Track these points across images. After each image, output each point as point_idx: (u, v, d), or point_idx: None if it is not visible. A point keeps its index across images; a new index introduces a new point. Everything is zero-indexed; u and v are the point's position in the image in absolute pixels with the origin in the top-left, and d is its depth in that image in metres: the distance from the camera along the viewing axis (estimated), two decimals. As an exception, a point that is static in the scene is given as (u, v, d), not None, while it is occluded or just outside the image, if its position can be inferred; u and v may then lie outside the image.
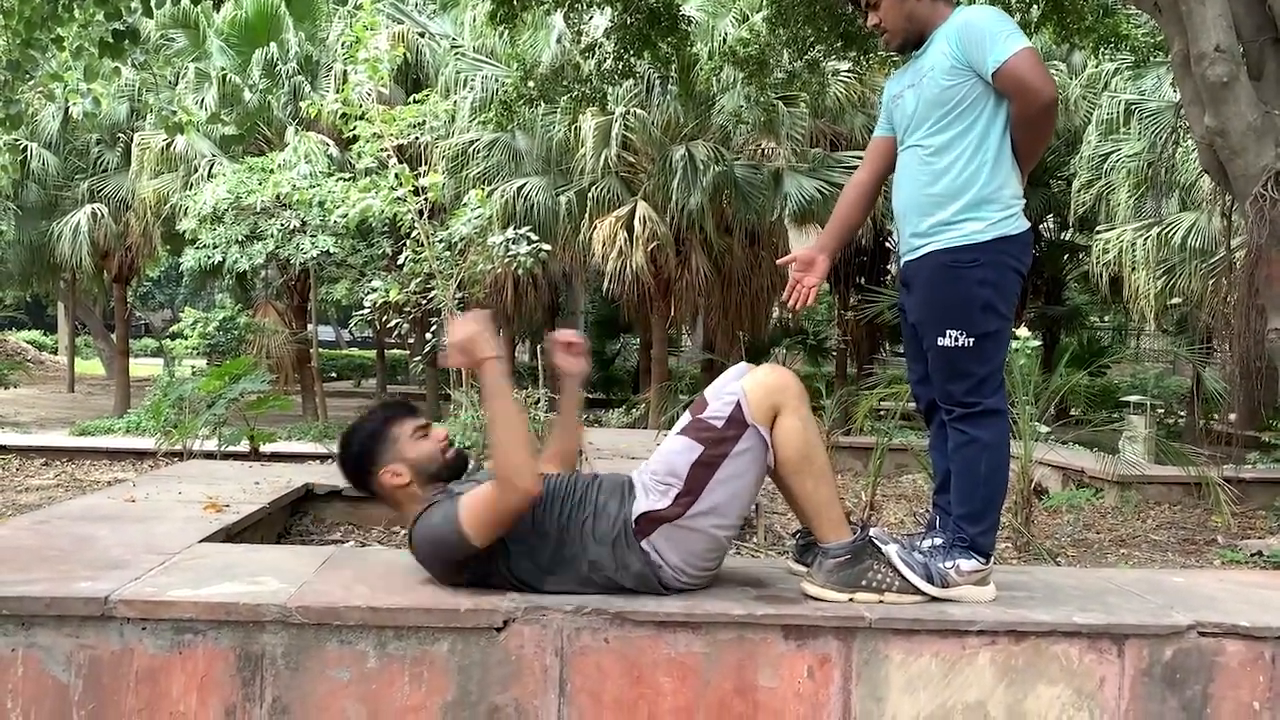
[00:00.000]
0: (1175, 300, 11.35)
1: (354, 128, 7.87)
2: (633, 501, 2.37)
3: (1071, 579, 2.85)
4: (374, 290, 9.13)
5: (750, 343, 11.81)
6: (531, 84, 8.40)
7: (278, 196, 10.81)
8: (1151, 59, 8.98)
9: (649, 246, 11.37)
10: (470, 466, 2.53)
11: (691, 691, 2.28)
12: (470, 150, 12.31)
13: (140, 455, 7.63)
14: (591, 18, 8.17)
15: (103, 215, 14.15)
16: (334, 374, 22.81)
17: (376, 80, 7.81)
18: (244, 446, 6.55)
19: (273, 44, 13.15)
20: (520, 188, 11.95)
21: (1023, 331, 5.48)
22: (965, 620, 2.31)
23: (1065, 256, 15.69)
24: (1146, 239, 11.14)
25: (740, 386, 2.37)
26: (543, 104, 9.46)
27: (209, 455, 6.36)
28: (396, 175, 7.80)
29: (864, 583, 2.38)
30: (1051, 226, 16.06)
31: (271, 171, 10.96)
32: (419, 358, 12.52)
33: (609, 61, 7.94)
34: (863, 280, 14.16)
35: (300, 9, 13.23)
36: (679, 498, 2.33)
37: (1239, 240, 5.66)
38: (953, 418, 2.49)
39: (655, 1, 7.29)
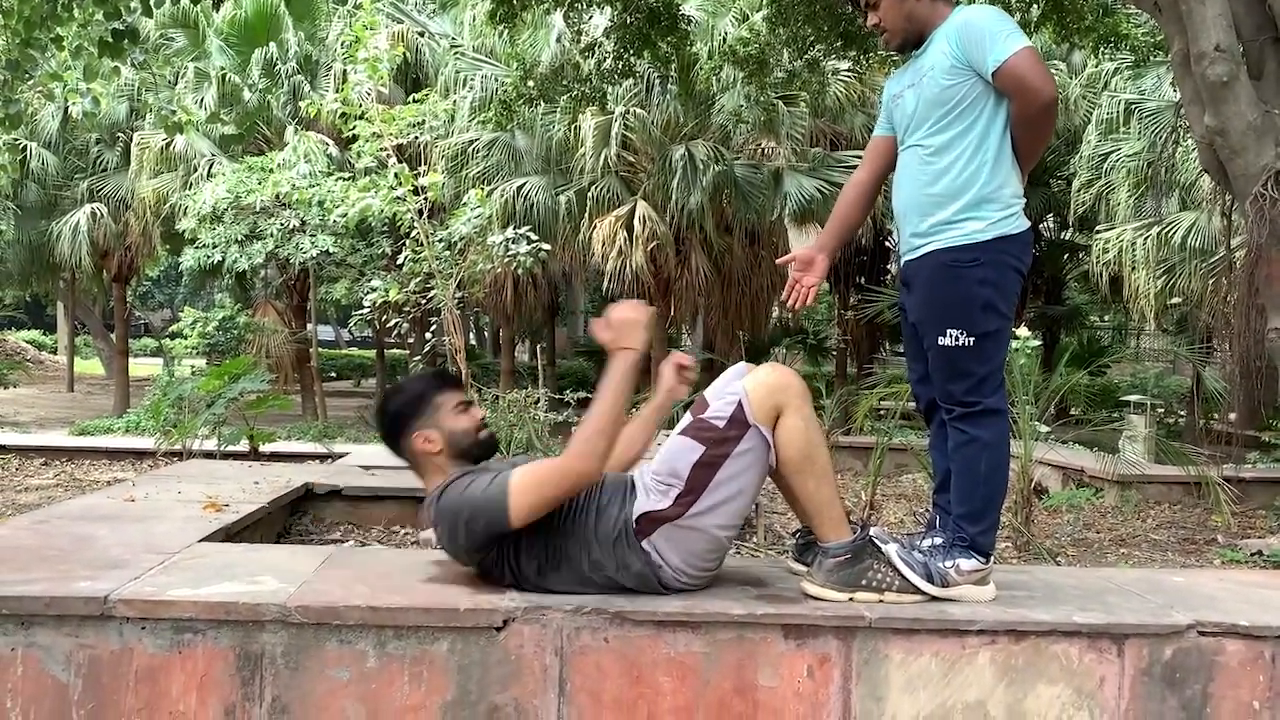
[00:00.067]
0: (1175, 300, 11.35)
1: (353, 127, 7.87)
2: (633, 501, 2.36)
3: (1071, 578, 2.85)
4: (373, 290, 9.13)
5: (750, 342, 11.82)
6: (531, 83, 8.39)
7: (277, 196, 10.80)
8: (1151, 58, 8.98)
9: (649, 246, 11.37)
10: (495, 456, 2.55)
11: (691, 691, 2.28)
12: (470, 150, 12.31)
13: (140, 455, 7.63)
14: (591, 17, 8.17)
15: (102, 215, 14.15)
16: (333, 374, 22.80)
17: (376, 80, 7.80)
18: (243, 446, 6.54)
19: (272, 43, 13.15)
20: (520, 187, 11.96)
21: (1023, 331, 5.48)
22: (965, 620, 2.31)
23: (1065, 256, 15.69)
24: (1146, 238, 11.14)
25: (741, 386, 2.36)
26: (542, 103, 9.45)
27: (208, 455, 6.36)
28: (396, 175, 7.79)
29: (864, 582, 2.37)
30: (1051, 226, 16.06)
31: (271, 171, 10.95)
32: (419, 357, 12.52)
33: (609, 61, 7.94)
34: (863, 280, 14.16)
35: (300, 8, 13.23)
36: (680, 498, 2.32)
37: (1239, 240, 5.66)
38: (953, 417, 2.49)
39: (655, 1, 7.29)
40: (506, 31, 9.86)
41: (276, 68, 13.09)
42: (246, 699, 2.22)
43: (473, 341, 24.72)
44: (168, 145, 12.96)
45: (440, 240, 8.13)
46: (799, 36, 7.60)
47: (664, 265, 12.01)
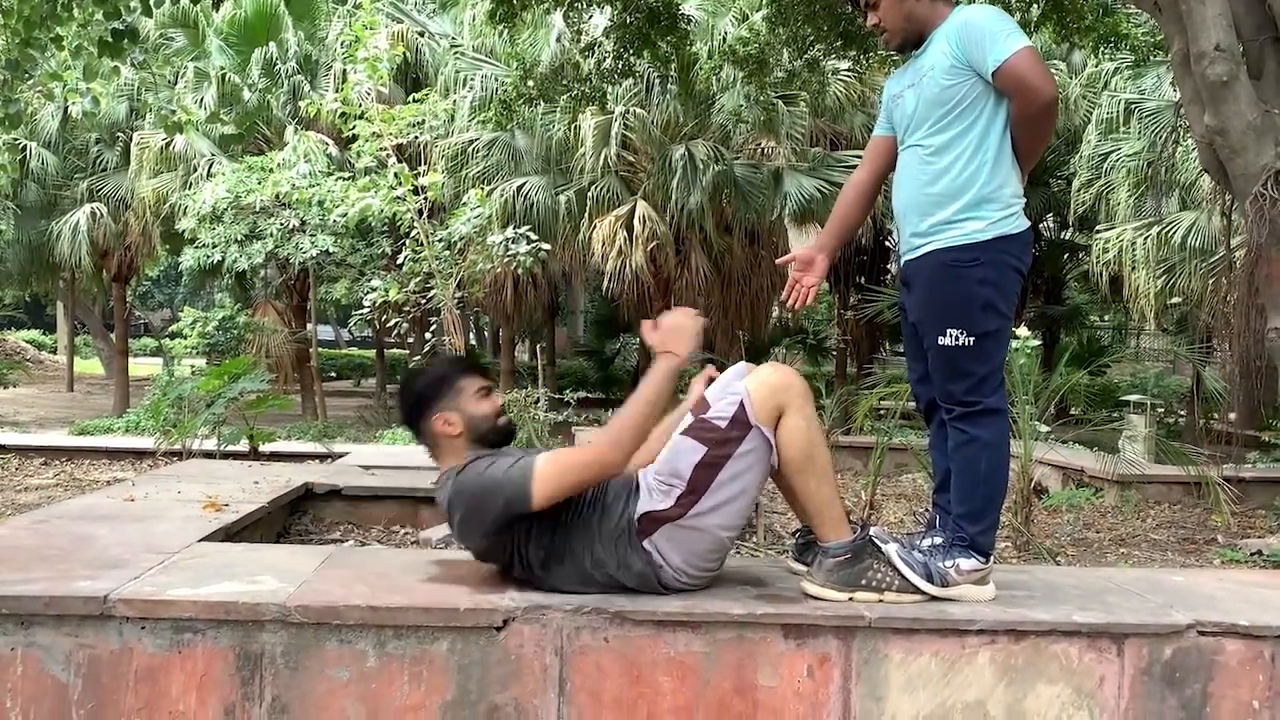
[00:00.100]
0: (1175, 299, 11.35)
1: (353, 127, 7.88)
2: (636, 501, 2.37)
3: (1071, 578, 2.85)
4: (373, 290, 9.14)
5: (750, 342, 11.82)
6: (531, 83, 8.39)
7: (277, 196, 10.82)
8: (1151, 58, 8.98)
9: (649, 246, 11.37)
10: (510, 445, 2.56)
11: (691, 691, 2.28)
12: (470, 149, 12.30)
13: (139, 455, 7.63)
14: (591, 17, 8.17)
15: (102, 214, 14.15)
16: (333, 373, 22.81)
17: (376, 79, 7.82)
18: (243, 446, 6.54)
19: (272, 43, 13.14)
20: (520, 187, 11.95)
21: (1023, 331, 5.48)
22: (965, 619, 2.31)
23: (1065, 256, 15.69)
24: (1146, 238, 11.14)
25: (743, 387, 2.36)
26: (542, 103, 9.45)
27: (208, 455, 6.36)
28: (396, 174, 7.80)
29: (864, 582, 2.37)
30: (1051, 226, 16.05)
31: (271, 171, 10.96)
32: (418, 357, 12.52)
33: (608, 61, 7.94)
34: (862, 280, 14.16)
35: (299, 8, 13.23)
36: (682, 498, 2.32)
37: (1239, 239, 5.66)
38: (953, 417, 2.49)
39: (655, 0, 7.29)
40: (506, 31, 9.86)
41: (276, 67, 13.09)
42: (246, 699, 2.22)
43: (472, 341, 24.71)
44: (167, 145, 12.96)
45: (440, 240, 8.13)
46: (799, 36, 7.60)
47: (664, 265, 12.01)
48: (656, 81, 11.11)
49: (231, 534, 3.26)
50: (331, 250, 11.66)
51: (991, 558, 2.50)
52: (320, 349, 15.36)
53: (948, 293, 2.44)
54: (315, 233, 11.50)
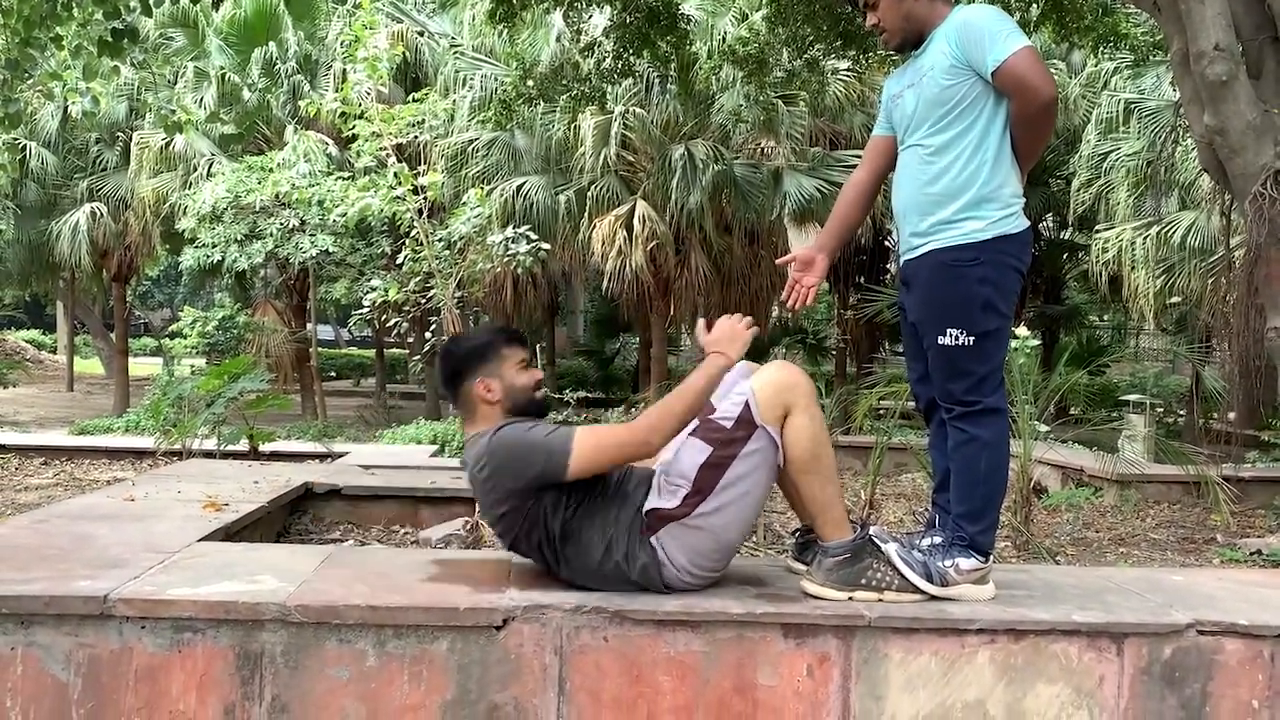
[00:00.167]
0: (1174, 299, 11.36)
1: (353, 127, 7.88)
2: (648, 497, 2.38)
3: (1071, 578, 2.85)
4: (373, 289, 9.15)
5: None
6: (531, 83, 8.39)
7: (277, 195, 10.82)
8: (1151, 58, 8.99)
9: (648, 245, 11.37)
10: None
11: (691, 690, 2.28)
12: (469, 149, 12.30)
13: (139, 454, 7.62)
14: (591, 16, 8.17)
15: (102, 214, 14.14)
16: (333, 373, 22.82)
17: (375, 79, 7.82)
18: (243, 445, 6.53)
19: (272, 43, 13.14)
20: (519, 187, 11.95)
21: (1022, 330, 5.48)
22: (964, 619, 2.31)
23: (1065, 255, 15.69)
24: (1146, 238, 11.14)
25: (749, 386, 2.37)
26: (542, 103, 9.45)
27: (208, 454, 6.35)
28: (395, 174, 7.81)
29: (863, 581, 2.38)
30: (1051, 225, 16.05)
31: (271, 170, 10.96)
32: (418, 357, 12.52)
33: (608, 60, 7.94)
34: (862, 279, 14.16)
35: (299, 8, 13.21)
36: (687, 498, 2.33)
37: (1238, 239, 5.66)
38: (952, 416, 2.49)
39: (654, 0, 7.29)
40: (506, 31, 9.87)
41: (276, 67, 13.09)
42: (246, 698, 2.22)
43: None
44: (167, 145, 12.96)
45: (440, 240, 8.14)
46: (798, 36, 7.60)
47: (663, 265, 12.01)
48: (656, 81, 11.11)
49: (231, 534, 3.26)
50: (331, 250, 11.66)
51: (991, 557, 2.51)
52: (320, 349, 15.37)
53: (947, 292, 2.44)
54: (315, 232, 11.50)
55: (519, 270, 8.82)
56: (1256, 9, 4.44)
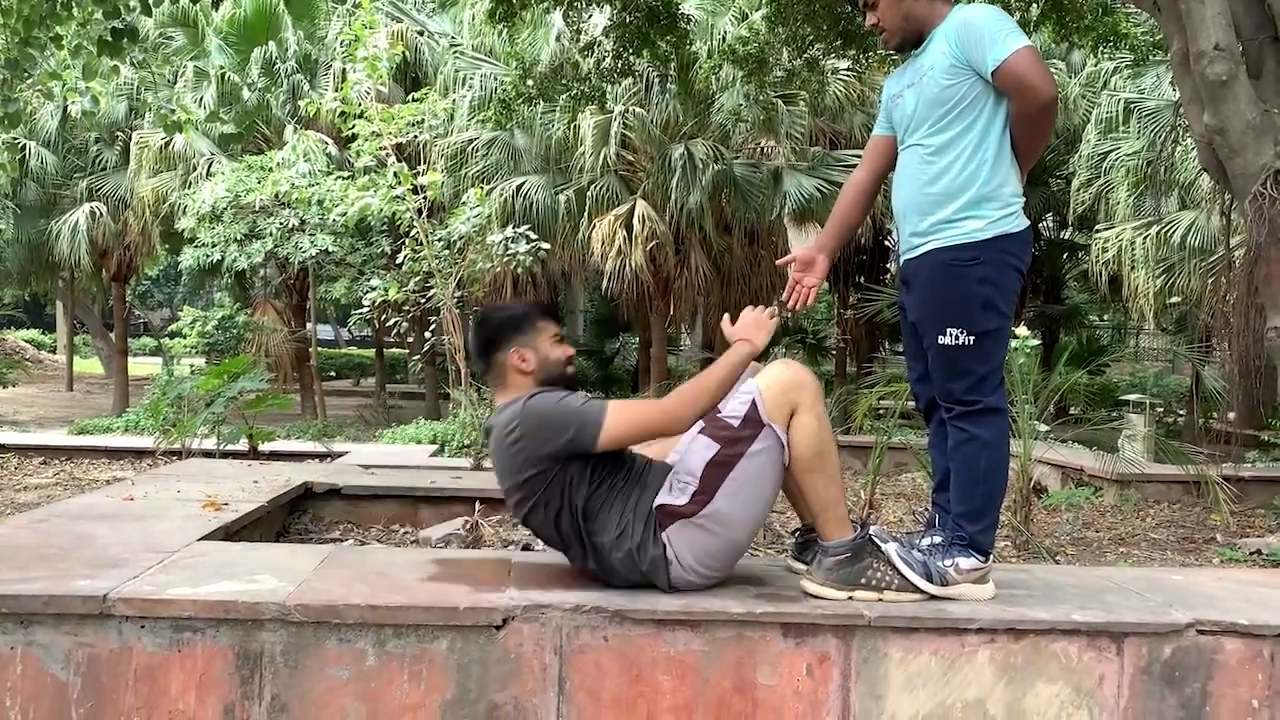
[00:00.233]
0: (1174, 299, 11.36)
1: (353, 126, 7.87)
2: (660, 492, 2.39)
3: (1070, 577, 2.85)
4: (373, 289, 9.14)
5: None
6: (530, 82, 8.39)
7: (276, 195, 10.82)
8: (1150, 57, 8.98)
9: (648, 245, 11.37)
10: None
11: (690, 690, 2.28)
12: (469, 149, 12.30)
13: (139, 454, 7.62)
14: (590, 16, 8.17)
15: (101, 214, 14.14)
16: (333, 373, 22.82)
17: (375, 79, 7.80)
18: (243, 445, 6.54)
19: (271, 42, 13.14)
20: (519, 186, 11.95)
21: (1022, 330, 5.47)
22: (964, 618, 2.31)
23: (1064, 255, 15.69)
24: (1146, 237, 11.14)
25: (754, 385, 2.37)
26: (542, 102, 9.45)
27: (208, 454, 6.35)
28: (395, 174, 7.80)
29: (863, 581, 2.38)
30: (1051, 225, 16.06)
31: (270, 170, 10.96)
32: (418, 356, 12.53)
33: (608, 60, 7.94)
34: (862, 279, 14.17)
35: (299, 7, 13.20)
36: (695, 495, 2.34)
37: (1238, 239, 5.66)
38: (952, 416, 2.49)
39: (654, 0, 7.29)
40: (506, 30, 9.86)
41: (276, 66, 13.09)
42: (246, 698, 2.22)
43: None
44: (167, 144, 12.96)
45: (439, 239, 8.13)
46: (798, 35, 7.60)
47: (663, 264, 12.01)
48: (656, 81, 11.11)
49: (231, 533, 3.26)
50: (331, 249, 11.66)
51: (991, 557, 2.51)
52: (319, 348, 15.37)
53: (947, 292, 2.44)
54: (315, 232, 11.50)
55: (519, 270, 8.80)
56: (1256, 9, 4.44)
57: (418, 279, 8.02)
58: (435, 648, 2.24)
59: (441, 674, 2.24)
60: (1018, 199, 2.47)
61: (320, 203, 10.43)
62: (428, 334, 8.65)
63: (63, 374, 21.21)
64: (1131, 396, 8.50)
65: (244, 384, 6.46)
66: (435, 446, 7.97)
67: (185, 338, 13.24)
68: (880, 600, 2.37)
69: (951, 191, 2.44)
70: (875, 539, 2.42)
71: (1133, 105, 11.32)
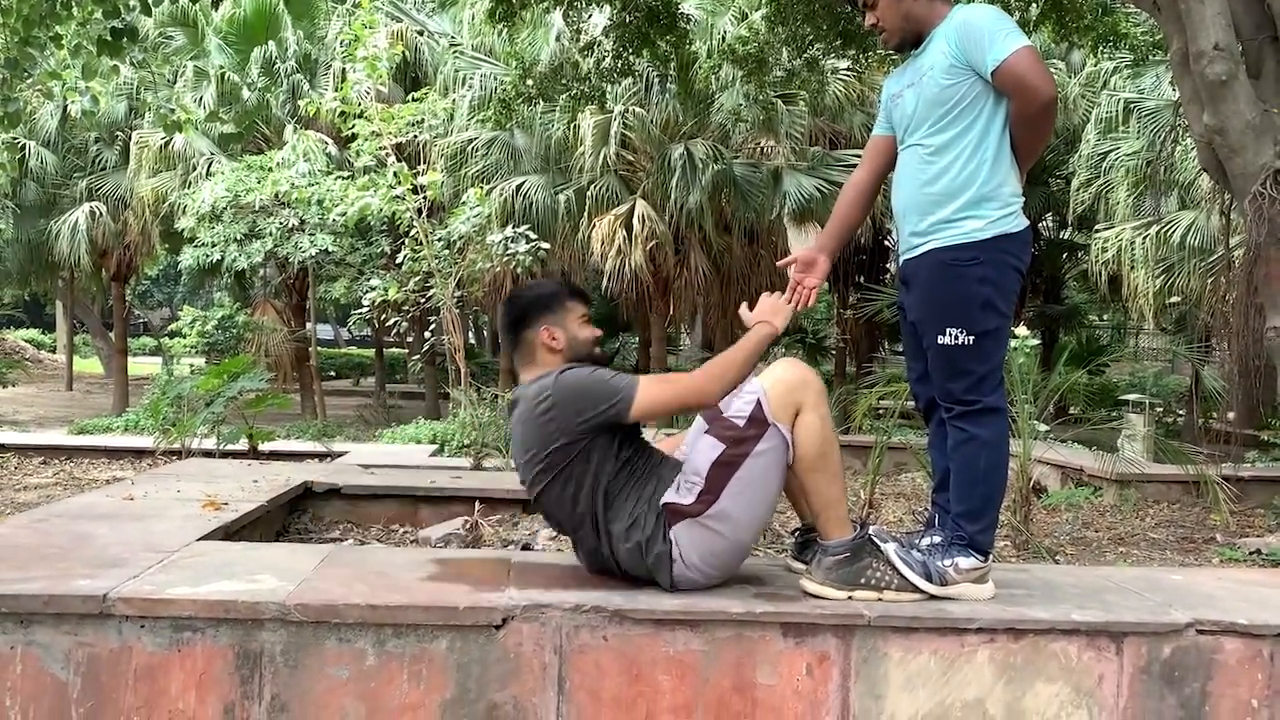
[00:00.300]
0: (1174, 299, 11.37)
1: (353, 126, 7.88)
2: (668, 489, 2.39)
3: (1070, 577, 2.85)
4: (373, 289, 9.15)
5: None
6: (530, 82, 8.39)
7: (276, 195, 10.82)
8: (1150, 57, 8.99)
9: (648, 245, 11.38)
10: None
11: (690, 689, 2.28)
12: (469, 148, 12.31)
13: (139, 454, 7.62)
14: (590, 16, 8.17)
15: (101, 213, 14.15)
16: (333, 372, 22.83)
17: (375, 78, 7.81)
18: (243, 445, 6.54)
19: (271, 42, 13.15)
20: (519, 186, 11.95)
21: (1022, 330, 5.47)
22: (964, 618, 2.31)
23: (1064, 255, 15.70)
24: (1145, 237, 11.15)
25: (759, 384, 2.37)
26: (541, 102, 9.46)
27: (207, 454, 6.35)
28: (395, 173, 7.80)
29: (863, 580, 2.38)
30: (1050, 225, 16.07)
31: (270, 170, 10.96)
32: (418, 356, 12.53)
33: (608, 60, 7.94)
34: (862, 279, 14.17)
35: (299, 7, 13.23)
36: (701, 495, 2.34)
37: (1238, 239, 5.67)
38: (952, 415, 2.49)
39: (654, 0, 7.29)
40: (505, 30, 9.86)
41: (275, 66, 13.10)
42: (246, 697, 2.22)
43: (471, 340, 24.71)
44: (167, 144, 12.96)
45: (439, 239, 8.14)
46: (798, 35, 7.60)
47: (663, 264, 12.01)
48: (656, 80, 11.11)
49: (231, 533, 3.25)
50: (331, 249, 11.67)
51: (990, 556, 2.51)
52: (319, 348, 15.37)
53: (947, 291, 2.44)
54: (314, 232, 11.50)
55: (518, 270, 8.81)
56: (1256, 9, 4.44)
57: (417, 279, 8.03)
58: (435, 647, 2.24)
59: (441, 673, 2.24)
60: (1017, 199, 2.47)
61: (320, 202, 10.43)
62: (427, 334, 8.66)
63: (62, 374, 21.21)
64: (1131, 396, 8.50)
65: (244, 384, 6.46)
66: (435, 446, 7.97)
67: (185, 337, 13.25)
68: (880, 600, 2.37)
69: (951, 191, 2.44)
70: (875, 539, 2.42)
71: (1132, 105, 11.33)
